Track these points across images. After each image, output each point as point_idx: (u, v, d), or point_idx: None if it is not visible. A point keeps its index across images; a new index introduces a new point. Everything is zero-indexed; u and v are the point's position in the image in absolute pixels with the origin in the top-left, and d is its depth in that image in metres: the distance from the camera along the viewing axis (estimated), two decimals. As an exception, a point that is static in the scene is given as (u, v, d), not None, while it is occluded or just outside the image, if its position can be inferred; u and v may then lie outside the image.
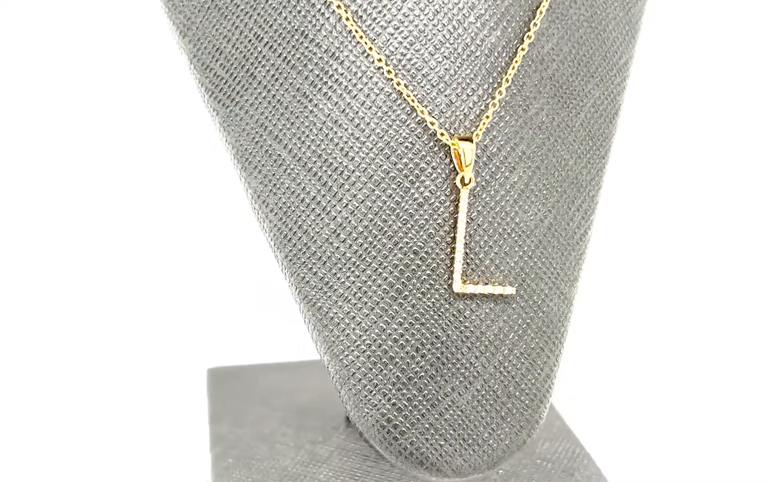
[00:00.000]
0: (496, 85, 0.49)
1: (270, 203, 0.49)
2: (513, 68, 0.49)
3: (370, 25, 0.48)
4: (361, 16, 0.48)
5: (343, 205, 0.48)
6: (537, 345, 0.50)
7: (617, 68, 0.54)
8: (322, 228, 0.49)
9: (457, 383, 0.48)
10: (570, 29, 0.51)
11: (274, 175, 0.49)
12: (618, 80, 0.54)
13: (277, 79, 0.49)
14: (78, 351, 0.79)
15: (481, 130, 0.48)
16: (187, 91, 0.90)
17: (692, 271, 0.86)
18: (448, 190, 0.48)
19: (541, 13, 0.50)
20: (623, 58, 0.54)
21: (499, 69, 0.49)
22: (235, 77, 0.50)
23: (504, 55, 0.49)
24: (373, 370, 0.48)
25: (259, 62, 0.50)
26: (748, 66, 0.93)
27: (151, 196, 0.93)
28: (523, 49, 0.49)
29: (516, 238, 0.49)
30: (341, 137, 0.48)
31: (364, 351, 0.48)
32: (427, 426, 0.48)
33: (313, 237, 0.49)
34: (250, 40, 0.50)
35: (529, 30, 0.50)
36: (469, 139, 0.48)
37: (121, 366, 0.77)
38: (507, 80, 0.49)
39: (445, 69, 0.48)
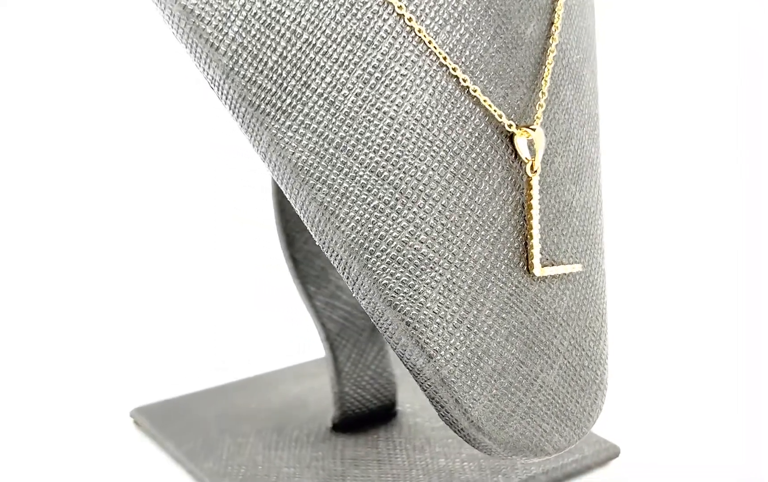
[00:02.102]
0: (539, 76, 0.51)
1: (340, 214, 0.48)
2: (551, 59, 0.51)
3: (429, 24, 0.48)
4: (419, 16, 0.48)
5: (419, 206, 0.48)
6: (593, 316, 0.52)
7: (593, 50, 0.58)
8: (399, 231, 0.48)
9: (544, 364, 0.50)
10: (573, 19, 0.54)
11: (341, 185, 0.48)
12: (595, 62, 0.58)
13: (334, 86, 0.48)
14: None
15: (539, 118, 0.50)
16: (181, 93, 0.85)
17: (680, 245, 0.91)
18: (511, 179, 0.50)
19: (560, 6, 0.53)
20: (594, 41, 0.58)
21: (537, 60, 0.51)
22: (285, 88, 0.47)
23: (539, 45, 0.51)
24: (470, 364, 0.48)
25: (313, 70, 0.48)
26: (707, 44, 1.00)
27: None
28: (554, 40, 0.52)
29: (566, 217, 0.52)
30: (409, 139, 0.48)
31: (458, 348, 0.48)
32: (525, 410, 0.49)
33: (391, 241, 0.48)
34: (299, 48, 0.47)
35: (554, 22, 0.52)
36: (531, 128, 0.50)
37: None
38: (548, 70, 0.51)
39: (498, 62, 0.50)
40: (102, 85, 0.89)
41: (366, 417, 0.64)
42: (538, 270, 0.50)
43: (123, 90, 0.89)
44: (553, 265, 0.50)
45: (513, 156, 0.50)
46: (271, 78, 0.48)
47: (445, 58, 0.48)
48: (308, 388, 0.68)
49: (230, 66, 0.48)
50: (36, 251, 0.89)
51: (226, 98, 0.49)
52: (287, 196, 0.49)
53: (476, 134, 0.49)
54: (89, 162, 0.91)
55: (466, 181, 0.49)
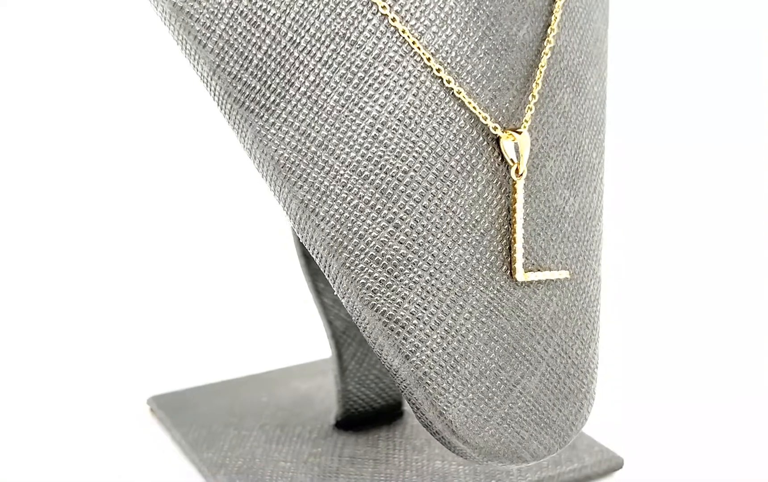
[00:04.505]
0: (531, 78, 0.50)
1: (320, 212, 0.48)
2: (544, 62, 0.51)
3: (414, 24, 0.48)
4: (404, 17, 0.48)
5: (399, 206, 0.48)
6: (583, 324, 0.52)
7: (602, 55, 0.57)
8: (379, 231, 0.48)
9: (525, 369, 0.49)
10: (574, 20, 0.54)
11: (322, 183, 0.48)
12: (604, 67, 0.57)
13: (317, 85, 0.48)
14: (64, 355, 0.77)
15: (527, 121, 0.49)
16: (185, 93, 0.87)
17: (683, 257, 0.90)
18: (497, 182, 0.49)
19: (559, 7, 0.52)
20: (605, 46, 0.57)
21: (531, 62, 0.51)
22: (270, 85, 0.48)
23: (533, 47, 0.51)
24: (446, 367, 0.48)
25: (297, 68, 0.48)
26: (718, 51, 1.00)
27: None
28: (549, 42, 0.51)
29: (556, 223, 0.51)
30: (391, 139, 0.48)
31: (434, 350, 0.48)
32: (503, 415, 0.49)
33: (370, 241, 0.48)
34: (284, 47, 0.48)
35: (550, 24, 0.52)
36: (518, 131, 0.49)
37: (114, 368, 0.75)
38: (540, 73, 0.50)
39: (486, 65, 0.49)
40: (99, 86, 0.92)
41: (370, 416, 0.64)
42: (520, 275, 0.49)
43: (126, 92, 0.92)
44: (538, 271, 0.50)
45: (500, 159, 0.50)
46: (256, 75, 0.48)
47: (429, 59, 0.48)
48: (316, 386, 0.69)
49: (217, 63, 0.48)
50: (64, 245, 0.92)
51: (214, 94, 0.50)
52: (271, 192, 0.50)
53: (460, 136, 0.49)
54: (118, 156, 0.93)
55: (448, 183, 0.48)
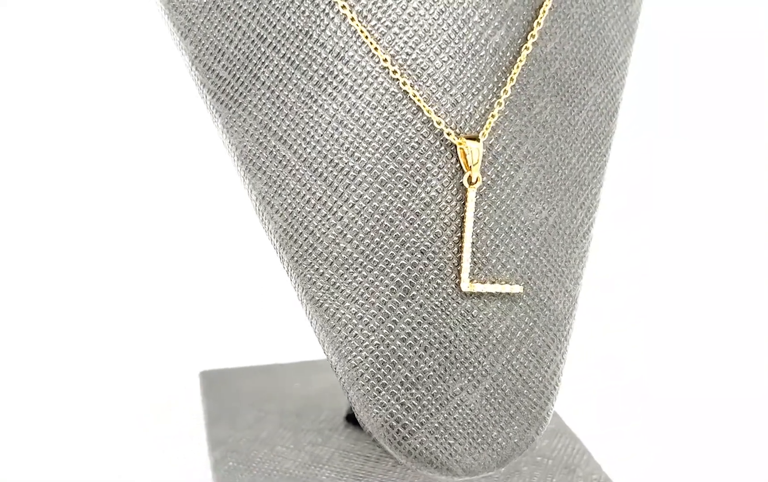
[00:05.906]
0: (501, 85, 0.49)
1: (275, 205, 0.49)
2: (517, 68, 0.49)
3: (375, 24, 0.48)
4: (365, 16, 0.48)
5: (350, 205, 0.48)
6: (543, 343, 0.50)
7: (616, 66, 0.54)
8: (328, 229, 0.49)
9: (466, 382, 0.48)
10: (571, 27, 0.52)
11: (279, 176, 0.49)
12: (617, 78, 0.54)
13: (281, 80, 0.49)
14: (68, 353, 0.80)
15: (487, 129, 0.48)
16: (172, 92, 0.92)
17: (690, 270, 0.87)
18: (454, 189, 0.48)
19: (544, 12, 0.50)
20: (621, 57, 0.54)
21: (503, 68, 0.49)
22: (238, 78, 0.50)
23: (508, 54, 0.49)
24: (382, 370, 0.48)
25: (263, 63, 0.49)
26: (742, 67, 0.95)
27: (142, 198, 0.93)
28: (527, 48, 0.49)
29: (522, 236, 0.49)
30: (347, 137, 0.48)
31: (372, 352, 0.48)
32: (436, 425, 0.48)
33: (319, 238, 0.49)
34: (253, 41, 0.50)
35: (532, 29, 0.50)
36: (475, 138, 0.48)
37: (115, 368, 0.78)
38: (512, 79, 0.49)
39: (450, 69, 0.48)
40: (98, 85, 0.93)
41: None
42: (465, 285, 0.48)
43: (116, 90, 0.93)
44: (490, 283, 0.48)
45: (458, 165, 0.49)
46: (227, 67, 0.50)
47: (386, 60, 0.48)
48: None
49: (195, 54, 0.51)
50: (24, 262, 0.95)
51: (195, 84, 0.52)
52: (240, 181, 0.51)
53: (416, 139, 0.48)
54: (79, 161, 0.94)
55: (400, 186, 0.48)
